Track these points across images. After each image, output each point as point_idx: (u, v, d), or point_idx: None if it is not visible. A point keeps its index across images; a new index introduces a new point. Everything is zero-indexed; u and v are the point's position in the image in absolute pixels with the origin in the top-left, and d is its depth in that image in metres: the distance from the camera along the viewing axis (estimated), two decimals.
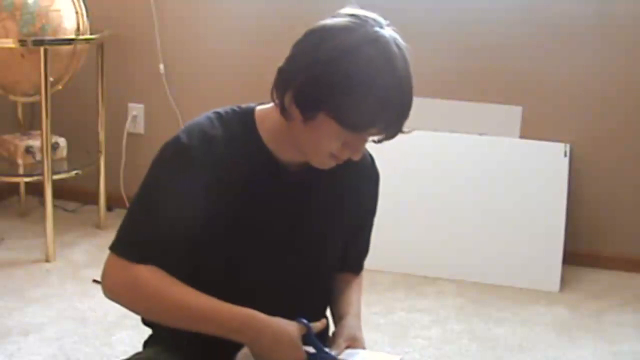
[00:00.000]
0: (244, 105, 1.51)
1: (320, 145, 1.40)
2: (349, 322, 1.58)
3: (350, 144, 1.39)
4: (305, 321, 1.46)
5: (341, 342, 1.52)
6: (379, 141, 1.41)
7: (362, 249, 1.71)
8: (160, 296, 1.42)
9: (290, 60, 1.39)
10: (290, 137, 1.43)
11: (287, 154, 1.47)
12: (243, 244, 1.47)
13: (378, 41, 1.34)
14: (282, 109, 1.40)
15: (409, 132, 1.42)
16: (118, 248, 1.44)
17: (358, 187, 1.59)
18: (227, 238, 1.46)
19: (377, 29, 1.35)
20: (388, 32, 1.36)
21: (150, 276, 1.41)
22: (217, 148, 1.42)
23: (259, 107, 1.50)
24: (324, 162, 1.43)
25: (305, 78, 1.35)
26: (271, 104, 1.45)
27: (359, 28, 1.34)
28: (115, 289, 1.44)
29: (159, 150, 1.46)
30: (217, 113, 1.48)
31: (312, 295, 1.58)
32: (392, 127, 1.38)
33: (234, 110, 1.49)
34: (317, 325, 1.49)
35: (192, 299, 1.41)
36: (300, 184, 1.49)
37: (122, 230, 1.45)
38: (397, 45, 1.35)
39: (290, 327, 1.43)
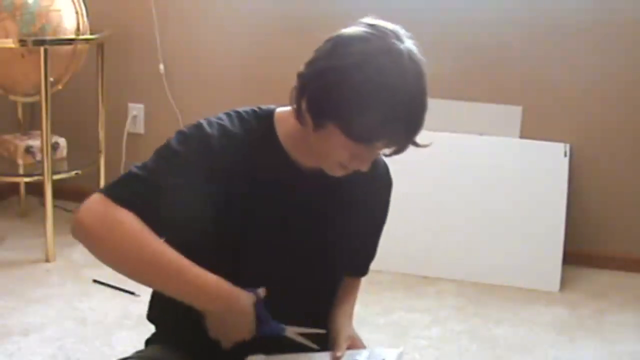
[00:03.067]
0: (264, 107, 1.50)
1: (330, 154, 1.40)
2: (344, 323, 1.59)
3: (359, 156, 1.39)
4: (258, 290, 1.44)
5: (342, 342, 1.53)
6: (389, 155, 1.41)
7: (369, 254, 1.71)
8: (135, 240, 1.35)
9: (308, 65, 1.38)
10: (307, 142, 1.43)
11: (303, 157, 1.47)
12: (252, 241, 1.47)
13: (391, 54, 1.32)
14: (298, 114, 1.40)
15: (426, 145, 1.42)
16: (107, 189, 1.40)
17: (371, 194, 1.59)
18: (236, 234, 1.45)
19: (394, 41, 1.33)
20: (406, 45, 1.34)
21: (132, 220, 1.34)
22: (235, 146, 1.42)
23: (279, 109, 1.49)
24: (333, 170, 1.43)
25: (317, 85, 1.35)
26: (290, 107, 1.45)
27: (374, 39, 1.33)
28: (88, 223, 1.37)
29: (177, 132, 1.43)
30: (237, 112, 1.47)
31: (319, 297, 1.58)
32: (399, 141, 1.37)
33: (254, 111, 1.48)
34: (260, 292, 1.44)
35: (167, 250, 1.36)
36: (315, 187, 1.48)
37: (119, 178, 1.42)
38: (412, 59, 1.33)
39: (245, 296, 1.41)
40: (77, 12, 3.20)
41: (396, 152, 1.40)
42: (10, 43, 3.01)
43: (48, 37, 3.04)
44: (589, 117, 3.23)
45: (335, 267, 1.60)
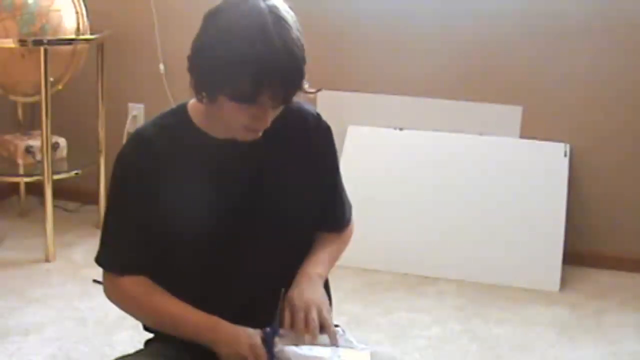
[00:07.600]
0: (183, 101, 1.58)
1: (232, 121, 1.44)
2: (296, 287, 1.55)
3: (255, 115, 1.42)
4: (267, 330, 1.47)
5: (285, 315, 1.50)
6: (281, 105, 1.43)
7: (338, 205, 1.69)
8: (142, 305, 1.56)
9: (191, 46, 1.44)
10: (215, 117, 1.48)
11: (220, 132, 1.50)
12: (208, 223, 1.50)
13: (251, 16, 1.36)
14: (195, 94, 1.46)
15: (313, 92, 1.47)
16: (101, 262, 1.58)
17: (307, 144, 1.59)
18: (192, 222, 1.49)
19: (255, 2, 1.38)
20: (267, 3, 1.39)
21: (132, 288, 1.55)
22: (152, 145, 1.50)
23: (193, 99, 1.54)
24: (243, 135, 1.47)
25: (195, 63, 1.42)
26: None
27: (234, 6, 1.38)
28: (110, 298, 1.60)
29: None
30: (156, 116, 1.57)
31: (291, 257, 1.59)
32: (281, 93, 1.39)
33: (170, 108, 1.58)
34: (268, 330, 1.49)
35: (168, 307, 1.53)
36: (244, 154, 1.51)
37: (100, 243, 1.58)
38: (275, 14, 1.38)
39: (248, 330, 1.48)
40: (77, 12, 3.21)
41: (284, 103, 1.43)
42: (10, 43, 3.01)
43: (48, 37, 3.04)
44: (589, 117, 3.23)
45: (292, 226, 1.59)
